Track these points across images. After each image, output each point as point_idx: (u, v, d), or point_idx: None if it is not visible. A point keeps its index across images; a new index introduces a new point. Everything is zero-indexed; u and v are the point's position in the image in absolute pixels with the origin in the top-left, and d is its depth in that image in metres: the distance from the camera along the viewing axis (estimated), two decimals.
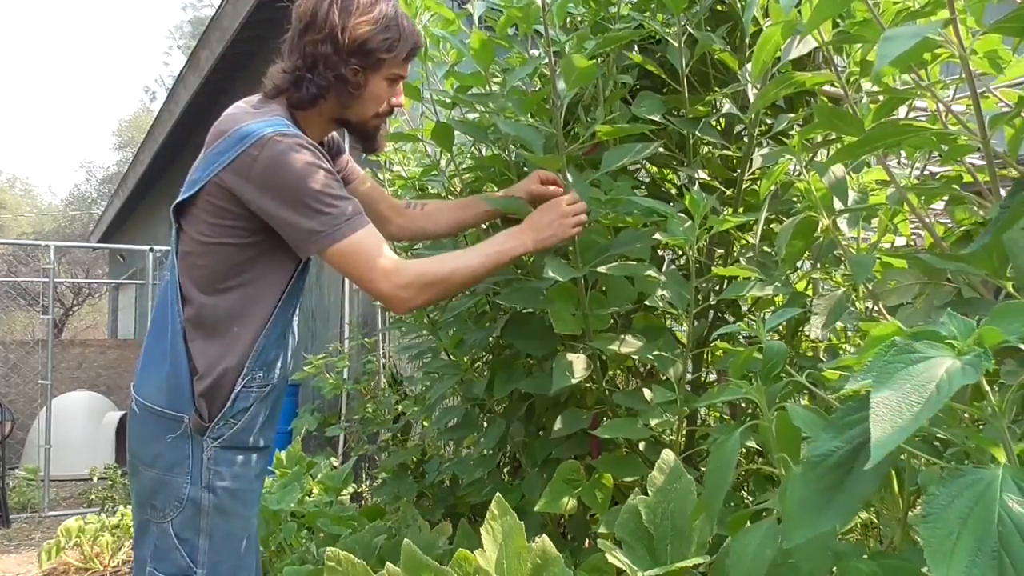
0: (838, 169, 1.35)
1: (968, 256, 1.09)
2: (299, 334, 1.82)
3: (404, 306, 1.52)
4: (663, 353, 1.62)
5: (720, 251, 1.86)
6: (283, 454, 3.45)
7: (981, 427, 0.95)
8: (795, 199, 1.72)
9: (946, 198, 1.42)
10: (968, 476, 0.67)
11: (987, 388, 0.72)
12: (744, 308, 1.89)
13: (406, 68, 1.58)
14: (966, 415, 0.91)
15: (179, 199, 1.54)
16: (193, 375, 1.51)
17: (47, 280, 6.03)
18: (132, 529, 1.81)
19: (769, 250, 1.72)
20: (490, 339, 2.00)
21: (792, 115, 1.68)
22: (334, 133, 1.74)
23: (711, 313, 1.88)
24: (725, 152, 1.80)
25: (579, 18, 1.90)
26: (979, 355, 0.67)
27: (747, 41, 1.62)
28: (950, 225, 1.42)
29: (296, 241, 1.49)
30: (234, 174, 1.45)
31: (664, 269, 1.78)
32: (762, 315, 1.78)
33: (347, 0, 1.47)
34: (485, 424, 2.08)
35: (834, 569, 0.97)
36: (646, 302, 1.61)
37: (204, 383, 1.50)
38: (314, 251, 1.50)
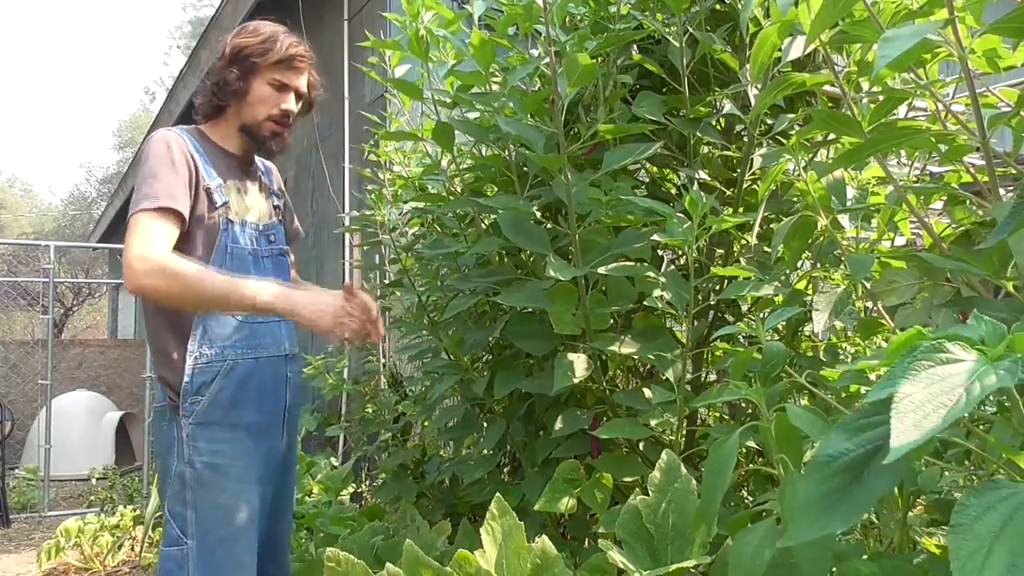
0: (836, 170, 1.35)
1: (969, 256, 1.09)
2: (296, 330, 1.83)
3: (131, 277, 1.53)
4: (663, 353, 1.62)
5: (720, 251, 1.86)
6: None
7: (983, 428, 0.95)
8: (795, 199, 1.72)
9: (945, 197, 1.41)
10: (1002, 489, 0.65)
11: (1016, 396, 0.71)
12: (744, 308, 1.89)
13: (289, 77, 1.76)
14: (966, 415, 0.91)
15: None
16: (158, 363, 1.69)
17: (47, 280, 6.02)
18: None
19: (769, 250, 1.72)
20: (490, 339, 2.00)
21: (792, 115, 1.68)
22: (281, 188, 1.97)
23: (711, 313, 1.88)
24: (725, 152, 1.80)
25: (579, 18, 1.90)
26: (1016, 361, 0.64)
27: (747, 41, 1.62)
28: (952, 225, 1.41)
29: None
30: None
31: (664, 269, 1.78)
32: (762, 315, 1.78)
33: (244, 27, 1.78)
34: (485, 424, 2.08)
35: (834, 569, 0.97)
36: (646, 302, 1.61)
37: (162, 368, 1.67)
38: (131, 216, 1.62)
